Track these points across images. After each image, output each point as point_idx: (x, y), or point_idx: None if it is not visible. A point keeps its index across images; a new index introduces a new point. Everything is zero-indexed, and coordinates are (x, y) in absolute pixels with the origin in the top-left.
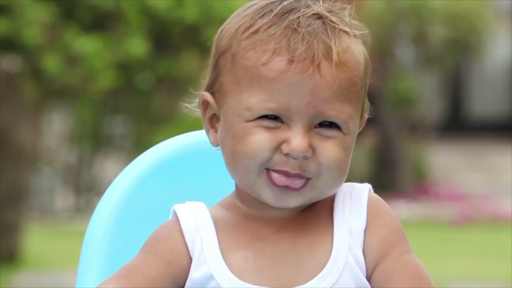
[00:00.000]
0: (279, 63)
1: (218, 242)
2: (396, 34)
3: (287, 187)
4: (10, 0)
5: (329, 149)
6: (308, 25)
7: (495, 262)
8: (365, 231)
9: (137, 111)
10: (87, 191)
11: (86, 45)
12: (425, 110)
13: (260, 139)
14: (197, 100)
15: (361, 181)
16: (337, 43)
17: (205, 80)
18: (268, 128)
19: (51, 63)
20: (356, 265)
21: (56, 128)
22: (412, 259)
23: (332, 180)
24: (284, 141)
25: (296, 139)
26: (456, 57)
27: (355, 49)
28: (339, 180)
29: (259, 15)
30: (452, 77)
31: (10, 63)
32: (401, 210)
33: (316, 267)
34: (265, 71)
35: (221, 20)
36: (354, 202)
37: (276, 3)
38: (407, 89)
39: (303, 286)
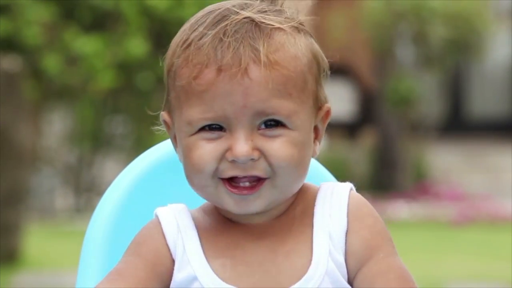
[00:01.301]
0: (208, 74)
1: (201, 245)
2: (396, 34)
3: (245, 189)
4: (10, 0)
5: (277, 148)
6: (235, 32)
7: (495, 262)
8: (346, 234)
9: (137, 111)
10: (87, 191)
11: (86, 45)
12: (425, 110)
13: (203, 152)
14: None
15: (361, 181)
16: (265, 44)
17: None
18: (210, 140)
19: (51, 63)
20: (337, 270)
21: (56, 128)
22: (396, 261)
23: (289, 177)
24: (227, 149)
25: (238, 145)
26: (456, 57)
27: (292, 44)
28: (298, 176)
29: (193, 29)
30: (452, 77)
31: (10, 63)
32: (401, 210)
33: (296, 274)
34: (196, 85)
35: None
36: (334, 204)
37: (210, 13)
38: (407, 89)
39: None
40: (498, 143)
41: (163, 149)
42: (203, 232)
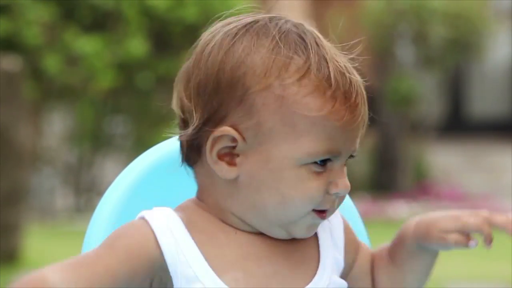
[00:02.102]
0: (341, 111)
1: (205, 258)
2: (396, 34)
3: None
4: (10, 0)
5: (348, 184)
6: (344, 63)
7: (495, 262)
8: (343, 232)
9: (137, 111)
10: (87, 191)
11: (86, 45)
12: (425, 110)
13: (315, 186)
14: (194, 130)
15: (361, 181)
16: (357, 77)
17: (205, 109)
18: (319, 173)
19: (51, 63)
20: (338, 270)
21: (56, 128)
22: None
23: None
24: (331, 181)
25: (344, 179)
26: (456, 57)
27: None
28: None
29: (293, 51)
30: (452, 77)
31: (10, 63)
32: (401, 210)
33: (307, 278)
34: (330, 119)
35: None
36: None
37: (285, 32)
38: (407, 89)
39: None
40: (498, 143)
41: (163, 149)
42: (203, 243)
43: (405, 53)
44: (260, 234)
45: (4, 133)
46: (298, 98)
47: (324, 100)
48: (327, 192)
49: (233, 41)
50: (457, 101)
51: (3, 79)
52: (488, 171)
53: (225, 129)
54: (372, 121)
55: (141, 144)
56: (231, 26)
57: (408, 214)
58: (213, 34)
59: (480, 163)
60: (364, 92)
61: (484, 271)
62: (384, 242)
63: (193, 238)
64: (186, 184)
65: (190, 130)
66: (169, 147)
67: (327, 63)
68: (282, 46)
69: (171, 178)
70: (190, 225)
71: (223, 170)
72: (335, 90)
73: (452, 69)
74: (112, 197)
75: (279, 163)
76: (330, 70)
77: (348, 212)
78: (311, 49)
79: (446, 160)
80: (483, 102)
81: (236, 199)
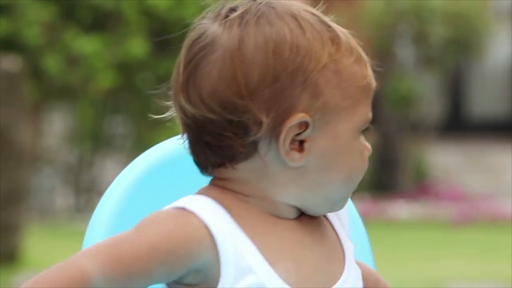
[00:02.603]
0: (371, 76)
1: (258, 249)
2: (396, 34)
3: None
4: (10, 0)
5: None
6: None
7: (495, 262)
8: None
9: (137, 111)
10: (87, 191)
11: (86, 45)
12: (425, 110)
13: (366, 153)
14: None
15: (361, 181)
16: None
17: (268, 104)
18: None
19: (51, 63)
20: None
21: (56, 128)
22: None
23: None
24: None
25: (367, 143)
26: (456, 57)
27: None
28: None
29: (318, 26)
30: (452, 77)
31: (10, 63)
32: (401, 210)
33: (341, 263)
34: (370, 85)
35: None
36: None
37: (294, 10)
38: (407, 89)
39: (337, 285)
40: (498, 143)
41: (163, 149)
42: (252, 233)
43: (405, 53)
44: (296, 219)
45: (4, 133)
46: (349, 69)
47: (363, 67)
48: None
49: (272, 29)
50: (457, 101)
51: (3, 79)
52: (488, 171)
53: (299, 116)
54: (372, 121)
55: (141, 144)
56: (238, 16)
57: (408, 214)
58: (227, 29)
59: (480, 163)
60: None
61: (484, 271)
62: (384, 242)
63: (242, 229)
64: (186, 184)
65: (254, 130)
66: (169, 147)
67: (341, 32)
68: (310, 25)
69: (172, 178)
70: (235, 215)
71: (295, 158)
72: (362, 56)
73: (452, 69)
74: (112, 197)
75: (346, 137)
76: (349, 38)
77: (348, 212)
78: (324, 22)
79: (446, 160)
80: (483, 102)
81: (295, 186)
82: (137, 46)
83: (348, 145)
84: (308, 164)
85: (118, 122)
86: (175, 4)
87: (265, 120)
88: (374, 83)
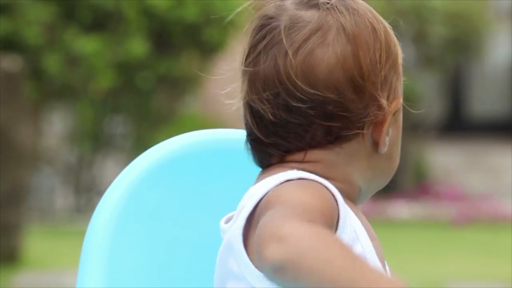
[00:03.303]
0: None
1: (361, 223)
2: (396, 34)
3: None
4: (10, 0)
5: None
6: None
7: (495, 262)
8: None
9: (137, 111)
10: (87, 191)
11: (86, 45)
12: (425, 110)
13: None
14: (389, 110)
15: None
16: None
17: (382, 85)
18: None
19: (51, 63)
20: None
21: (56, 128)
22: None
23: None
24: None
25: None
26: (456, 57)
27: None
28: None
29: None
30: (452, 77)
31: (10, 63)
32: (401, 210)
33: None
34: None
35: (221, 20)
36: None
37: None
38: (407, 89)
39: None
40: (498, 143)
41: (163, 149)
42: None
43: (405, 53)
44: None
45: (4, 133)
46: (400, 58)
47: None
48: None
49: (373, 17)
50: (457, 101)
51: (3, 79)
52: (488, 171)
53: (400, 102)
54: None
55: (141, 144)
56: (339, 3)
57: (408, 214)
58: (337, 14)
59: (480, 163)
60: None
61: (484, 271)
62: (384, 242)
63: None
64: (186, 184)
65: (373, 111)
66: (169, 147)
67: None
68: (377, 15)
69: (171, 178)
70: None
71: (387, 143)
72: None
73: (452, 69)
74: (112, 197)
75: (399, 117)
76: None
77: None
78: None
79: (446, 160)
80: (483, 102)
81: (371, 171)
82: (137, 46)
83: (401, 126)
84: (390, 149)
85: (118, 122)
86: (175, 4)
87: (384, 102)
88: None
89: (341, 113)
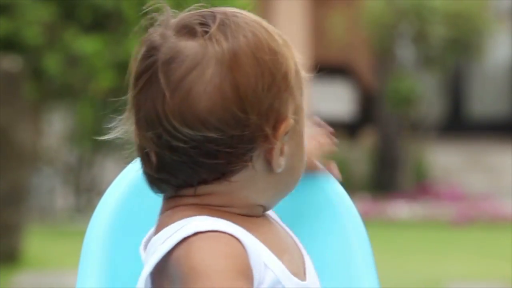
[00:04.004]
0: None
1: (267, 248)
2: (396, 34)
3: None
4: (10, 0)
5: None
6: None
7: (495, 262)
8: None
9: None
10: (87, 191)
11: (86, 45)
12: (425, 110)
13: None
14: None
15: (361, 181)
16: None
17: (267, 111)
18: None
19: (51, 63)
20: None
21: (56, 128)
22: None
23: None
24: None
25: None
26: (456, 57)
27: None
28: None
29: (273, 27)
30: (452, 77)
31: (10, 63)
32: (401, 210)
33: (299, 251)
34: (303, 78)
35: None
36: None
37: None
38: (407, 89)
39: (306, 272)
40: (498, 143)
41: None
42: (252, 231)
43: (405, 53)
44: (260, 215)
45: (4, 133)
46: (301, 68)
47: (299, 63)
48: None
49: (254, 39)
50: (457, 101)
51: (3, 79)
52: (488, 171)
53: (290, 122)
54: (372, 121)
55: None
56: (218, 30)
57: (408, 214)
58: (215, 44)
59: (480, 163)
60: None
61: (484, 271)
62: (384, 242)
63: (248, 231)
64: None
65: (258, 141)
66: None
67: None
68: (272, 30)
69: None
70: (236, 222)
71: (282, 165)
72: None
73: (452, 69)
74: (112, 197)
75: (303, 133)
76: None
77: (348, 212)
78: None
79: (446, 160)
80: (483, 102)
81: (272, 188)
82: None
83: (304, 142)
84: (291, 164)
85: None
86: (175, 4)
87: (268, 130)
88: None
89: (225, 150)
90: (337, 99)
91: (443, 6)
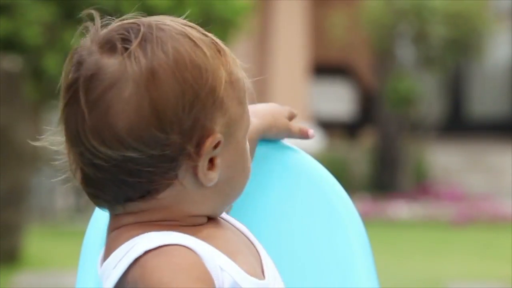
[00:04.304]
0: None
1: (223, 253)
2: (396, 34)
3: None
4: (10, 0)
5: None
6: None
7: (495, 262)
8: None
9: None
10: None
11: None
12: (425, 110)
13: None
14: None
15: (361, 181)
16: None
17: (189, 129)
18: None
19: (51, 63)
20: None
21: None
22: None
23: None
24: None
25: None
26: (456, 57)
27: None
28: None
29: (202, 39)
30: (452, 77)
31: (10, 63)
32: (401, 210)
33: (254, 249)
34: (248, 85)
35: (222, 20)
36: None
37: (174, 26)
38: (407, 89)
39: (264, 270)
40: (498, 143)
41: None
42: (212, 241)
43: (405, 53)
44: (216, 219)
45: (4, 133)
46: (238, 76)
47: (241, 70)
48: None
49: (176, 55)
50: (457, 101)
51: (3, 79)
52: (488, 171)
53: (216, 137)
54: (372, 121)
55: None
56: (138, 46)
57: (408, 214)
58: (133, 61)
59: (480, 163)
60: None
61: (484, 271)
62: (384, 242)
63: (198, 238)
64: None
65: (179, 160)
66: None
67: (217, 39)
68: (201, 41)
69: None
70: (192, 233)
71: (212, 178)
72: (236, 59)
73: (452, 69)
74: None
75: (242, 143)
76: (223, 43)
77: (347, 212)
78: (204, 33)
79: (446, 160)
80: (483, 102)
81: (210, 200)
82: None
83: (245, 151)
84: (219, 179)
85: None
86: (175, 4)
87: (190, 148)
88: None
89: (146, 169)
90: (337, 99)
91: (443, 6)
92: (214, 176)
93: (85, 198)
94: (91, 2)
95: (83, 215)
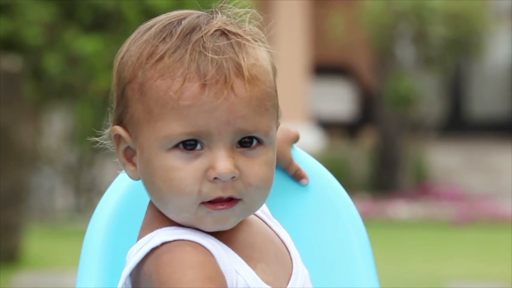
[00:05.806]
0: (192, 89)
1: (238, 254)
2: (396, 34)
3: (221, 204)
4: (10, 0)
5: (257, 170)
6: (214, 44)
7: (495, 262)
8: None
9: None
10: (87, 191)
11: (86, 45)
12: (425, 110)
13: (185, 174)
14: (106, 134)
15: (361, 181)
16: (245, 58)
17: (113, 112)
18: (188, 160)
19: (51, 63)
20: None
21: (56, 128)
22: None
23: (261, 198)
24: (208, 167)
25: (222, 161)
26: (456, 57)
27: (262, 58)
28: (267, 194)
29: (160, 40)
30: (452, 77)
31: (10, 63)
32: (401, 210)
33: (288, 257)
34: (178, 99)
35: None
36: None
37: (175, 24)
38: (407, 89)
39: (292, 279)
40: (498, 143)
41: None
42: (223, 240)
43: (405, 53)
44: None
45: (4, 133)
46: (152, 82)
47: (173, 80)
48: (205, 178)
49: (126, 43)
50: (457, 101)
51: (3, 79)
52: (488, 171)
53: (114, 128)
54: (372, 121)
55: None
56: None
57: (408, 214)
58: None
59: (480, 163)
60: (246, 72)
61: (484, 271)
62: (384, 242)
63: (217, 239)
64: None
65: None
66: None
67: (187, 46)
68: (160, 37)
69: None
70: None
71: (130, 172)
72: (186, 69)
73: (452, 69)
74: (112, 197)
75: (148, 154)
76: (186, 51)
77: (348, 212)
78: (178, 36)
79: (446, 160)
80: (483, 102)
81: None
82: None
83: (153, 164)
84: (145, 185)
85: None
86: (175, 4)
87: (111, 123)
88: (187, 101)
89: None
90: (337, 99)
91: (443, 6)
92: (131, 169)
93: (85, 198)
94: (91, 2)
95: (83, 215)
